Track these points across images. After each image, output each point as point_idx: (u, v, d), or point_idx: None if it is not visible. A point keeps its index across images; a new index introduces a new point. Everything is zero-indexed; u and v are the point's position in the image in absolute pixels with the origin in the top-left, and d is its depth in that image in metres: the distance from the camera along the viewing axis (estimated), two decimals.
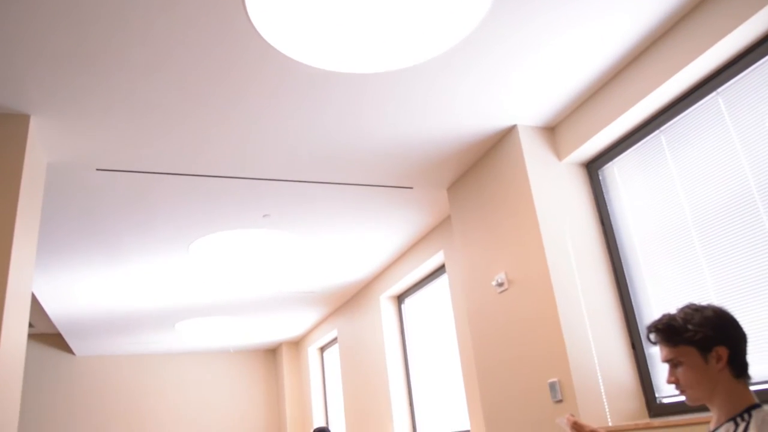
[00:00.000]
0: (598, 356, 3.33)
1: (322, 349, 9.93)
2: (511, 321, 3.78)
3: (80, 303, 6.88)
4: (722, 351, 1.46)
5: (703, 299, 2.87)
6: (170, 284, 6.47)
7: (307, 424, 9.84)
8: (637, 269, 3.40)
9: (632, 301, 3.43)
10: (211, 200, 4.47)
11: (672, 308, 1.61)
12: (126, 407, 10.08)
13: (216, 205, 4.56)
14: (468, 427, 5.01)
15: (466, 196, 4.35)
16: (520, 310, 3.69)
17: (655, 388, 3.24)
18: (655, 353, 3.26)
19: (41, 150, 3.47)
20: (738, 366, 1.47)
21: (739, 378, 1.47)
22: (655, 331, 1.57)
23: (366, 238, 5.65)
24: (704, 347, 1.48)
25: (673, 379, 1.54)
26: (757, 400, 1.46)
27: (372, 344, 6.96)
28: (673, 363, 1.53)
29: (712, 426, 1.49)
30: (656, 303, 3.24)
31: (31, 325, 8.63)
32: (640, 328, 3.37)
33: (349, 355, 7.80)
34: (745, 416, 1.40)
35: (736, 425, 1.38)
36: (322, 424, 9.55)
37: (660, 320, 1.57)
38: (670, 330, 1.53)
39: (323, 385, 9.84)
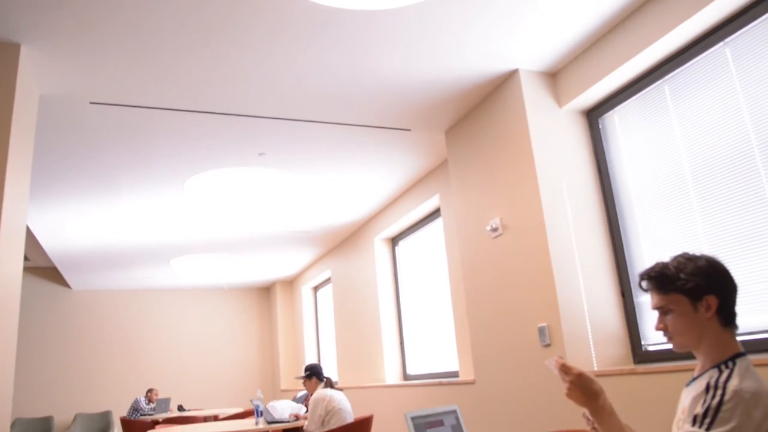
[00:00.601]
0: (588, 303, 3.39)
1: (316, 289, 10.06)
2: (503, 266, 3.82)
3: (75, 237, 6.91)
4: (712, 300, 1.49)
5: (695, 251, 2.90)
6: (165, 220, 6.48)
7: (299, 362, 10.07)
8: (631, 219, 3.41)
9: (624, 249, 3.46)
10: (207, 137, 4.42)
11: (665, 257, 1.63)
12: (121, 340, 10.27)
13: (212, 142, 4.51)
14: (457, 368, 5.14)
15: (464, 141, 4.32)
16: (513, 256, 3.73)
17: (641, 336, 3.31)
18: (644, 302, 3.31)
19: (33, 81, 3.40)
20: (726, 315, 1.50)
21: (726, 327, 1.50)
22: (647, 279, 1.60)
23: (362, 180, 5.64)
24: (695, 296, 1.50)
25: (661, 326, 1.57)
26: (742, 349, 1.49)
27: (365, 285, 7.05)
28: (663, 310, 1.56)
29: (696, 372, 1.53)
30: (648, 253, 3.27)
31: (26, 259, 8.69)
32: (630, 277, 3.41)
33: (342, 296, 7.92)
34: (729, 364, 1.43)
35: (720, 372, 1.41)
36: (313, 361, 9.78)
37: (653, 268, 1.59)
38: (662, 278, 1.55)
39: (316, 324, 10.02)
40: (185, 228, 6.85)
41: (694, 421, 1.32)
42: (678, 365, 2.68)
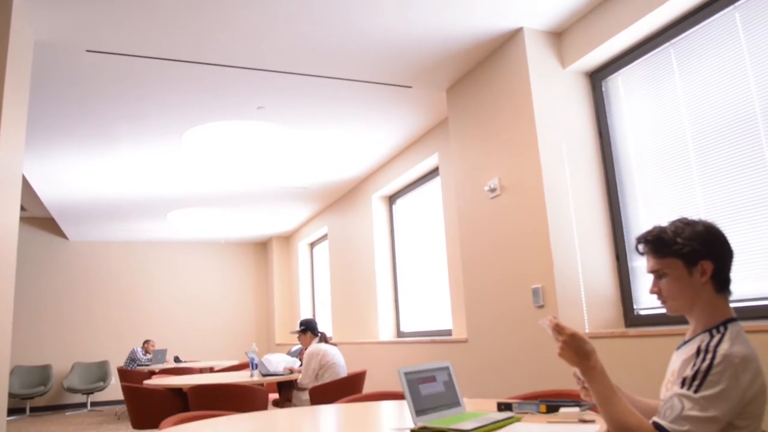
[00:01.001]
0: (583, 265, 3.41)
1: (312, 245, 10.10)
2: (500, 226, 3.82)
3: (72, 188, 6.88)
4: (707, 266, 1.49)
5: (693, 216, 2.90)
6: (162, 173, 6.46)
7: (295, 316, 10.18)
8: (630, 183, 3.40)
9: (621, 214, 3.46)
10: (205, 89, 4.36)
11: (662, 221, 1.62)
12: (118, 292, 10.35)
13: (210, 94, 4.46)
14: (450, 327, 5.20)
15: (465, 99, 4.28)
16: (510, 216, 3.73)
17: (634, 300, 3.34)
18: (638, 266, 3.33)
19: (28, 26, 3.33)
20: (721, 281, 1.51)
21: (720, 293, 1.51)
22: (644, 242, 1.60)
23: (361, 136, 5.60)
24: (690, 261, 1.51)
25: (656, 290, 1.58)
26: (734, 315, 1.50)
27: (361, 242, 7.07)
28: (658, 274, 1.56)
29: (687, 336, 1.55)
30: (645, 217, 3.28)
31: (23, 209, 8.67)
32: (625, 241, 3.42)
33: (339, 252, 7.95)
34: (721, 329, 1.44)
35: (711, 336, 1.43)
36: (308, 316, 9.88)
37: (650, 231, 1.59)
38: (658, 242, 1.56)
39: (311, 280, 10.09)
40: (183, 181, 6.82)
41: (683, 383, 1.34)
42: (668, 329, 2.71)
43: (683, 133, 3.00)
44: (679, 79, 3.03)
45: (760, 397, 1.36)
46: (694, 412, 1.28)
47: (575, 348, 1.50)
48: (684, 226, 1.54)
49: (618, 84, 3.50)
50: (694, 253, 1.50)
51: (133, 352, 8.44)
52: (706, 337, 1.44)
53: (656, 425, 1.30)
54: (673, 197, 3.06)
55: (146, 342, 8.76)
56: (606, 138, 3.57)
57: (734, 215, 2.71)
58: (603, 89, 3.61)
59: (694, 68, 2.95)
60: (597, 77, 3.64)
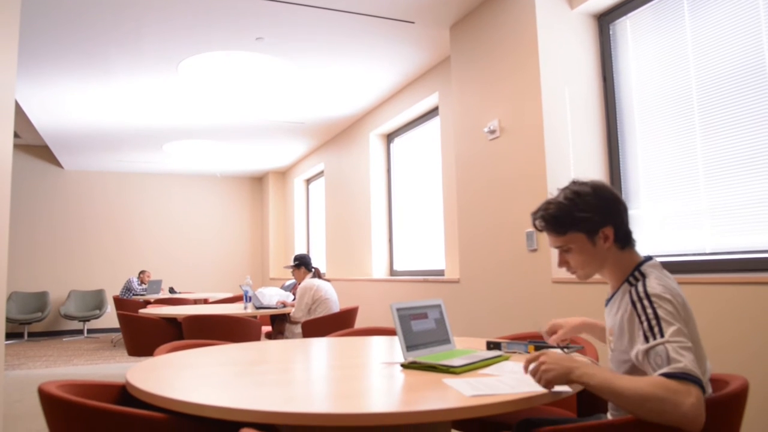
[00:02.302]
0: None
1: (308, 181, 10.08)
2: (498, 168, 3.81)
3: (67, 116, 6.79)
4: (608, 231, 1.54)
5: (690, 169, 2.89)
6: (158, 103, 6.36)
7: (289, 251, 10.26)
8: (631, 130, 3.37)
9: (620, 161, 3.44)
10: (203, 17, 4.24)
11: (556, 193, 1.62)
12: (114, 222, 10.38)
13: (208, 22, 4.33)
14: (443, 267, 5.25)
15: (469, 37, 4.18)
16: (508, 159, 3.71)
17: None
18: (633, 214, 3.34)
19: None
20: (623, 239, 1.55)
21: (625, 249, 1.53)
22: (541, 220, 1.59)
23: (361, 72, 5.50)
24: (591, 231, 1.54)
25: (564, 264, 1.60)
26: (642, 258, 1.56)
27: (358, 180, 7.06)
28: (563, 249, 1.58)
29: (610, 292, 1.58)
30: (643, 166, 3.26)
31: (17, 136, 8.57)
32: (622, 189, 3.42)
33: (335, 189, 7.95)
34: (637, 274, 1.49)
35: (631, 285, 1.46)
36: (302, 251, 9.96)
37: (546, 209, 1.59)
38: (555, 220, 1.57)
39: (307, 216, 10.13)
40: (179, 112, 6.73)
41: (646, 339, 1.34)
42: None
43: (688, 83, 2.94)
44: (690, 25, 2.96)
45: (691, 322, 1.41)
46: (677, 346, 1.30)
47: (555, 377, 1.35)
48: (574, 196, 1.56)
49: (626, 28, 3.41)
50: (592, 223, 1.53)
51: (128, 282, 8.54)
52: (627, 287, 1.47)
53: (663, 376, 1.26)
54: (672, 147, 3.03)
55: (142, 272, 8.85)
56: (610, 83, 3.51)
57: (734, 168, 2.69)
58: (610, 33, 3.52)
59: (706, 14, 2.87)
60: (605, 20, 3.55)
